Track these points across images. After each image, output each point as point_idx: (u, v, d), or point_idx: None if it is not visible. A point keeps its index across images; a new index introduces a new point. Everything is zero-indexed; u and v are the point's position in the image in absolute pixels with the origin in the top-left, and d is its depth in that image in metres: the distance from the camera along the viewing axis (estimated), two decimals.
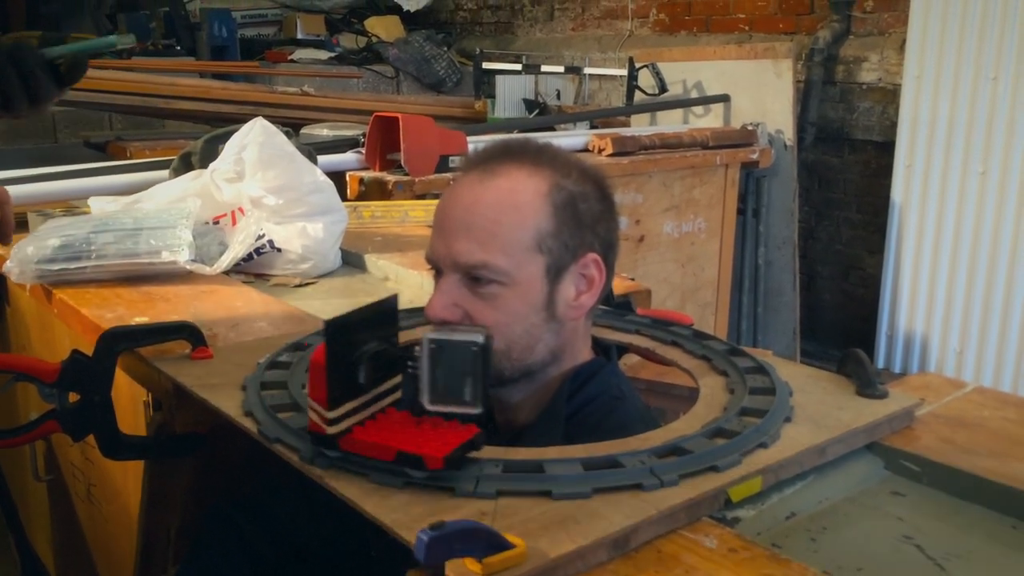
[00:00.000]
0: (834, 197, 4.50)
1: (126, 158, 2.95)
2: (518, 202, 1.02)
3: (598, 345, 1.17)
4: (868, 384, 1.09)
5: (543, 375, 1.08)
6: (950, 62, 3.80)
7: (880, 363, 4.29)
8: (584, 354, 1.12)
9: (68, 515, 1.82)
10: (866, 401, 1.07)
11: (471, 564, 0.70)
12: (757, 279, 4.03)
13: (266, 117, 1.87)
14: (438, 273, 1.07)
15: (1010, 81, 3.65)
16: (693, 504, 0.84)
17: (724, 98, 3.96)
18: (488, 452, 0.90)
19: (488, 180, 1.04)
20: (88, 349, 1.21)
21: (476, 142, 2.84)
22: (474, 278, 1.02)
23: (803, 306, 4.31)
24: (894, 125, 4.05)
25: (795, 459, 0.94)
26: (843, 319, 4.58)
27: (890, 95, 4.14)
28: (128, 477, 1.46)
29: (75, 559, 1.86)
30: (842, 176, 4.44)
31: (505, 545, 0.72)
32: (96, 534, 1.70)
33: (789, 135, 3.90)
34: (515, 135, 3.13)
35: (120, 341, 1.12)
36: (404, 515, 0.80)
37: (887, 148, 4.12)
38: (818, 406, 1.05)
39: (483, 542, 0.71)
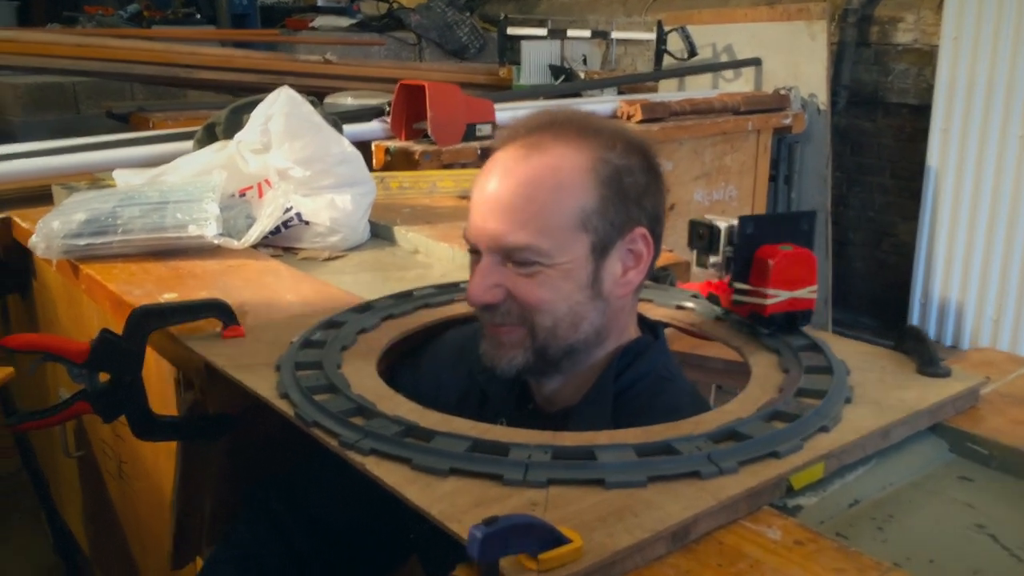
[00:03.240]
0: (867, 162, 4.40)
1: (149, 128, 2.91)
2: (561, 180, 0.96)
3: (644, 322, 1.12)
4: (930, 362, 1.04)
5: (588, 354, 1.03)
6: (989, 22, 3.68)
7: None
8: (630, 332, 1.08)
9: (99, 491, 1.81)
10: (929, 380, 1.02)
11: (526, 561, 0.67)
12: None
13: (288, 86, 1.82)
14: (476, 253, 1.02)
15: None
16: (754, 493, 0.80)
17: (756, 62, 3.86)
18: (535, 437, 0.86)
19: (529, 156, 0.98)
20: (116, 326, 1.17)
21: (503, 109, 2.78)
22: (516, 260, 0.97)
23: (834, 274, 4.24)
24: (930, 88, 3.94)
25: (858, 443, 0.89)
26: (875, 287, 4.49)
27: (926, 57, 4.02)
28: (160, 455, 1.43)
29: (107, 534, 1.86)
30: (875, 141, 4.34)
31: (561, 540, 0.68)
32: (127, 511, 1.69)
33: (823, 99, 3.80)
34: (555, 104, 3.05)
35: (150, 320, 1.09)
36: (450, 505, 0.76)
37: (923, 112, 4.01)
38: (878, 386, 1.00)
39: (538, 537, 0.67)
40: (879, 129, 4.31)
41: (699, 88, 3.99)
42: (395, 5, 5.49)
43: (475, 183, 1.02)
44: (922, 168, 4.00)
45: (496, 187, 0.98)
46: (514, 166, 0.98)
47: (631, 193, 0.99)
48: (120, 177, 1.77)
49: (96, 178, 2.08)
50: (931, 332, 4.14)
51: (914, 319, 4.19)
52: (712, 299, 1.20)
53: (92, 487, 1.86)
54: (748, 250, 1.09)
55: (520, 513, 0.70)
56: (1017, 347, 3.89)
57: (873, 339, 1.16)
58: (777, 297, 1.09)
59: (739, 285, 1.12)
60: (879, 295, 4.45)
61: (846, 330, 4.18)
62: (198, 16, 4.96)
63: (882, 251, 4.46)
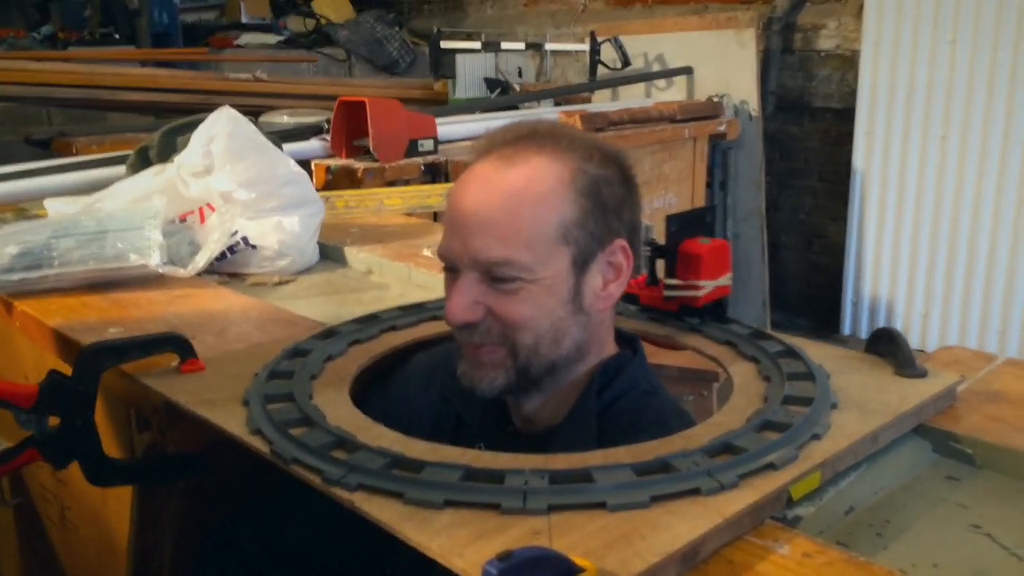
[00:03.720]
0: (795, 166, 4.50)
1: (72, 154, 2.79)
2: (540, 192, 0.94)
3: (621, 336, 1.10)
4: (907, 363, 1.04)
5: (569, 371, 1.01)
6: (908, 26, 3.80)
7: (847, 330, 4.31)
8: (609, 347, 1.05)
9: (39, 541, 1.70)
10: (908, 381, 1.02)
11: None
12: None
13: (218, 106, 1.76)
14: (452, 271, 0.98)
15: (968, 43, 3.66)
16: (758, 507, 0.78)
17: (687, 70, 3.91)
18: (528, 461, 0.83)
19: (506, 169, 0.95)
20: (56, 364, 1.10)
21: (443, 124, 2.75)
22: (496, 277, 0.94)
23: (768, 277, 4.31)
24: (853, 92, 4.05)
25: (851, 449, 0.88)
26: (808, 288, 4.59)
27: (848, 62, 4.14)
28: (108, 499, 1.35)
29: None
30: (803, 145, 4.44)
31: (574, 570, 0.65)
32: (74, 561, 1.59)
33: (754, 106, 3.87)
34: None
35: (103, 358, 1.02)
36: (450, 539, 0.72)
37: (847, 115, 4.12)
38: (859, 389, 1.00)
39: (553, 569, 0.64)
40: (806, 134, 4.41)
41: (632, 98, 4.03)
42: (322, 21, 5.41)
43: (451, 197, 0.99)
44: (849, 170, 4.10)
45: (474, 201, 0.95)
46: (492, 179, 0.95)
47: (610, 204, 0.97)
48: (52, 206, 1.68)
49: (21, 208, 1.98)
50: (863, 329, 4.24)
51: (846, 318, 4.29)
52: (627, 299, 1.24)
53: (31, 536, 1.75)
54: (675, 247, 1.16)
55: (532, 545, 0.67)
56: (946, 340, 4.01)
57: (809, 339, 1.19)
58: (707, 288, 1.16)
59: (671, 281, 1.18)
60: (812, 296, 4.55)
61: (783, 331, 4.25)
62: (116, 36, 4.79)
63: (813, 252, 4.56)
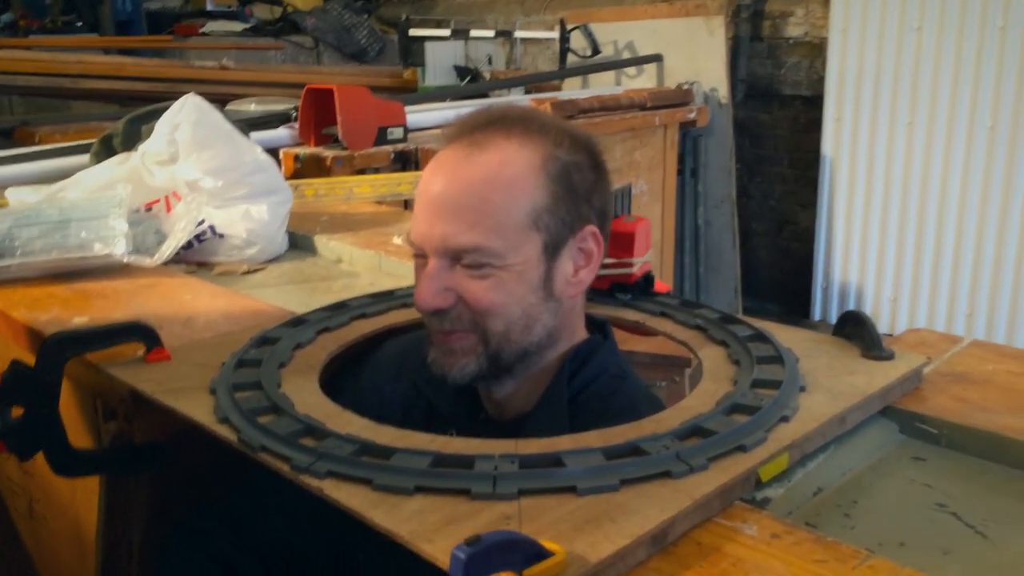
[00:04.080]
0: (765, 154, 4.52)
1: (35, 143, 2.74)
2: (510, 177, 0.93)
3: (592, 322, 1.10)
4: (874, 345, 1.05)
5: (540, 357, 1.01)
6: (875, 13, 3.83)
7: (817, 315, 4.36)
8: (580, 332, 1.05)
9: (7, 533, 1.68)
10: (875, 363, 1.03)
11: None
12: (698, 239, 4.03)
13: (184, 94, 1.74)
14: (422, 257, 0.97)
15: (933, 30, 3.70)
16: (726, 489, 0.78)
17: (657, 58, 3.92)
18: (498, 446, 0.83)
19: (476, 154, 0.94)
20: (19, 355, 1.08)
21: (412, 111, 2.73)
22: (466, 263, 0.93)
23: (740, 263, 4.34)
24: (822, 79, 4.08)
25: (819, 431, 0.89)
26: (779, 274, 4.63)
27: (817, 49, 4.17)
28: (77, 490, 1.34)
29: None
30: (772, 132, 4.47)
31: (544, 554, 0.65)
32: (43, 552, 1.57)
33: (723, 93, 3.89)
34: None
35: (67, 347, 1.00)
36: (420, 525, 0.72)
37: (816, 102, 4.15)
38: (827, 372, 1.01)
39: (522, 553, 0.64)
40: (775, 121, 4.44)
41: (602, 85, 4.03)
42: (289, 9, 5.34)
43: (420, 182, 0.98)
44: (818, 157, 4.14)
45: (443, 187, 0.94)
46: (461, 165, 0.94)
47: (581, 190, 0.97)
48: (13, 196, 1.65)
49: None
50: (833, 315, 4.29)
51: (816, 303, 4.34)
52: None
53: None
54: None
55: (501, 529, 0.67)
56: (915, 324, 4.07)
57: (778, 324, 1.21)
58: (638, 264, 1.20)
59: (604, 260, 1.18)
60: (783, 282, 4.59)
61: (753, 317, 4.28)
62: (79, 24, 4.70)
63: (783, 239, 4.60)
